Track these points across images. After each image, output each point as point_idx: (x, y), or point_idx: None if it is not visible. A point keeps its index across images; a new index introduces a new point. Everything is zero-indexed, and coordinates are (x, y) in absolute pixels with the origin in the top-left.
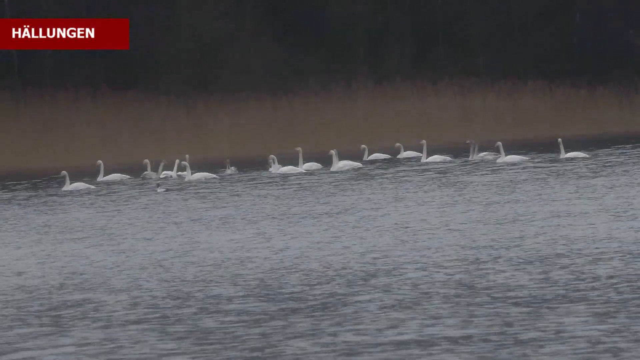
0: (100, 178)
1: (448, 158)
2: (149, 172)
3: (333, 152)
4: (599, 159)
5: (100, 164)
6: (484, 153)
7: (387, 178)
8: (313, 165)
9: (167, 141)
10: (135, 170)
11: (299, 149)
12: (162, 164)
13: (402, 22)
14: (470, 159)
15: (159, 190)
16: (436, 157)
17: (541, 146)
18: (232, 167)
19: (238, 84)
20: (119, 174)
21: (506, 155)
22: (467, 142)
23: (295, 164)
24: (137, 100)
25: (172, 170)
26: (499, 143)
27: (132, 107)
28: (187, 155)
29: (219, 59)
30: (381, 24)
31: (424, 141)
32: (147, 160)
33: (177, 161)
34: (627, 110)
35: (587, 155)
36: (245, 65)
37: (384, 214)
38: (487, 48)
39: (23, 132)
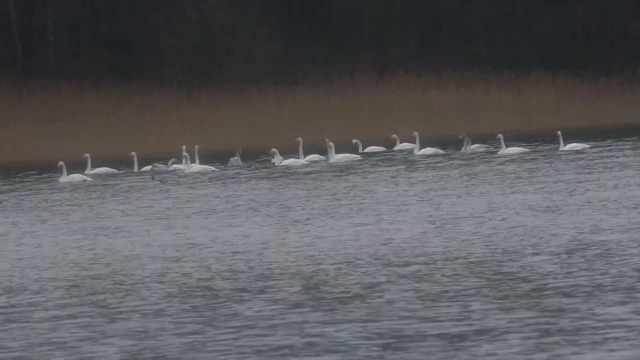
0: (88, 171)
1: (440, 150)
2: (158, 164)
3: (330, 143)
4: (599, 151)
5: (87, 157)
6: (476, 145)
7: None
8: (315, 157)
9: (171, 132)
10: (142, 161)
11: (299, 139)
12: (172, 159)
13: (406, 12)
14: (462, 151)
15: (153, 181)
16: (428, 150)
17: (542, 138)
18: (233, 159)
19: (241, 74)
20: (106, 167)
21: (506, 147)
22: (460, 137)
23: (296, 155)
24: (141, 91)
25: (181, 163)
26: (500, 135)
27: (135, 98)
28: (196, 146)
29: (222, 49)
30: (385, 14)
31: (416, 133)
32: (133, 153)
33: (183, 147)
34: (630, 102)
35: (588, 146)
36: (249, 56)
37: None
38: (490, 39)
39: (26, 123)
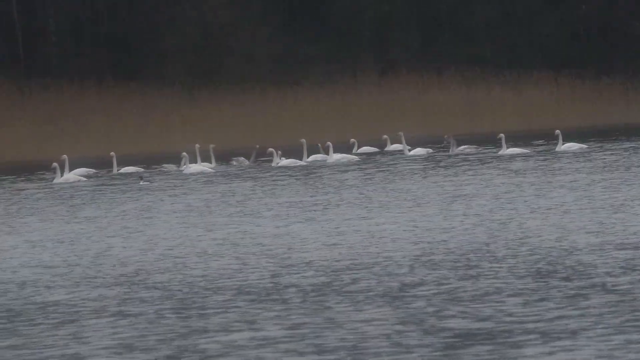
0: (66, 173)
1: (430, 151)
2: (168, 165)
3: (328, 143)
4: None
5: (64, 159)
6: (464, 146)
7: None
8: (318, 157)
9: (172, 132)
10: (142, 160)
11: (303, 140)
12: (185, 157)
13: (407, 12)
14: (450, 153)
15: (141, 183)
16: (419, 150)
17: (541, 138)
18: (241, 158)
19: (242, 75)
20: (84, 168)
21: (507, 147)
22: (445, 136)
23: (299, 156)
24: (142, 91)
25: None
26: (502, 135)
27: (136, 98)
28: (211, 146)
29: (222, 49)
30: (386, 14)
31: (401, 133)
32: (113, 153)
33: (197, 146)
34: (632, 101)
35: (585, 146)
36: (249, 56)
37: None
38: (491, 39)
39: (27, 123)
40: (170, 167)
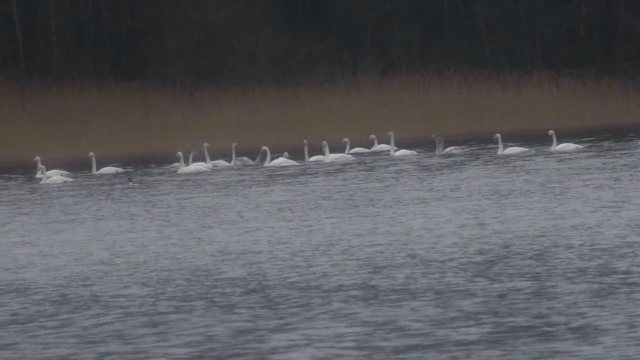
0: (40, 175)
1: (415, 152)
2: (176, 164)
3: (324, 142)
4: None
5: (37, 160)
6: (451, 147)
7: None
8: (320, 157)
9: (173, 132)
10: (138, 161)
11: (305, 141)
12: (192, 154)
13: (409, 12)
14: (437, 153)
15: (130, 184)
16: (405, 152)
17: (537, 138)
18: (245, 158)
19: (244, 74)
20: (59, 170)
21: (505, 147)
22: (433, 136)
23: (301, 156)
24: (143, 91)
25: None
26: (498, 135)
27: (138, 98)
28: (234, 144)
29: (224, 49)
30: (388, 14)
31: (391, 133)
32: (92, 154)
33: (205, 145)
34: (633, 101)
35: (580, 147)
36: (251, 56)
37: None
38: (493, 38)
39: (28, 123)
40: (179, 165)
